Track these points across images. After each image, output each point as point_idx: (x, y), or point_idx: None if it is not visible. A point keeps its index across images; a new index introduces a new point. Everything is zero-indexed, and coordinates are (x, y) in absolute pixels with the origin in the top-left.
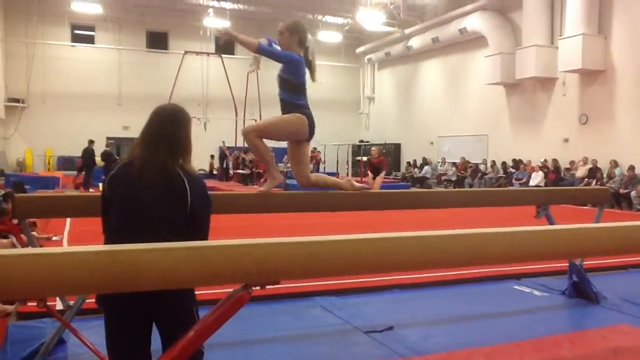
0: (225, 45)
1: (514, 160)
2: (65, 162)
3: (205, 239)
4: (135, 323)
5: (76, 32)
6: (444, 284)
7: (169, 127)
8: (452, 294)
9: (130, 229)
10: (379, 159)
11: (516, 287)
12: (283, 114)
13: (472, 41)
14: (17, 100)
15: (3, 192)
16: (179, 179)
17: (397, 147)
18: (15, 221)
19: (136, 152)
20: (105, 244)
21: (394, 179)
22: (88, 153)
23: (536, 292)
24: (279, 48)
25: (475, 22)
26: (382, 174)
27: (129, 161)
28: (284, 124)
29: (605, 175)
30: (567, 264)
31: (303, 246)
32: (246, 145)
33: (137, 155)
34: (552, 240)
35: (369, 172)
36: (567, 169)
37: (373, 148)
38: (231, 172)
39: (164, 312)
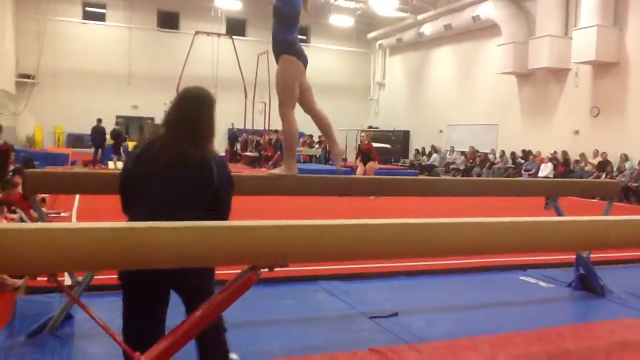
0: (236, 27)
1: (523, 150)
2: (74, 139)
3: (227, 219)
4: (153, 299)
5: (87, 9)
6: (450, 272)
7: (193, 110)
8: (458, 282)
9: (150, 209)
10: (369, 145)
11: (522, 277)
12: (273, 51)
13: (485, 29)
14: (28, 76)
15: (13, 167)
16: (202, 161)
17: (406, 134)
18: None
19: (160, 133)
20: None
21: (402, 166)
22: (97, 131)
23: (542, 283)
24: None
25: (489, 10)
26: (376, 162)
27: (151, 142)
28: (286, 78)
29: (615, 169)
30: (574, 256)
31: (311, 229)
32: (255, 127)
33: (160, 137)
34: (560, 232)
35: (358, 159)
36: (577, 162)
37: (362, 133)
38: (239, 154)
39: (183, 290)
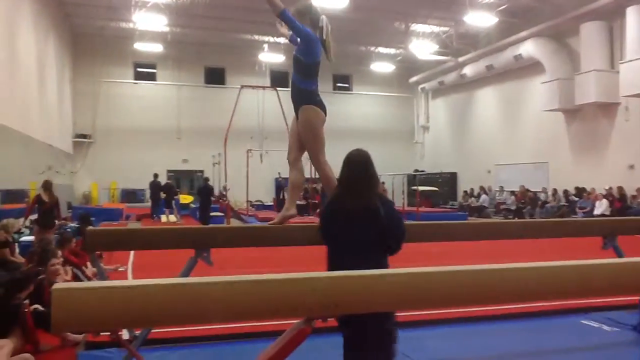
0: (280, 79)
1: (576, 188)
2: (128, 194)
3: (397, 251)
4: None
5: (138, 70)
6: (507, 317)
7: (363, 169)
8: (516, 328)
9: (346, 248)
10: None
11: (584, 321)
12: (293, 100)
13: (528, 67)
14: (84, 136)
15: (70, 224)
16: (378, 207)
17: (453, 176)
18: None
19: (341, 191)
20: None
21: (450, 208)
22: (154, 186)
23: (605, 327)
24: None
25: (531, 48)
26: None
27: (337, 198)
28: (312, 126)
29: None
30: (639, 298)
31: (363, 279)
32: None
33: (341, 191)
34: (621, 273)
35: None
36: (634, 197)
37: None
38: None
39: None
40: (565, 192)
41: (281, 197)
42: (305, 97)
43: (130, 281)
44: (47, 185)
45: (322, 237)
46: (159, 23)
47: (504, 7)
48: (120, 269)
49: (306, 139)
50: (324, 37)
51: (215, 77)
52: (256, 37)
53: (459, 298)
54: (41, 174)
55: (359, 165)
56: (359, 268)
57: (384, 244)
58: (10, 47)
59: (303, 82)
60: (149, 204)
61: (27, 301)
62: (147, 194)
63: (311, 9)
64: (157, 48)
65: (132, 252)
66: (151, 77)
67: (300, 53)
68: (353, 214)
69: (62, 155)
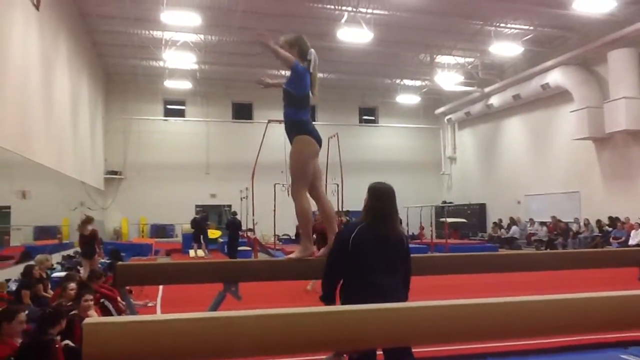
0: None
1: (609, 217)
2: (157, 230)
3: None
4: None
5: (168, 106)
6: (541, 352)
7: (392, 199)
8: None
9: (378, 275)
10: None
11: (623, 356)
12: (287, 133)
13: (556, 96)
14: (115, 173)
15: (101, 260)
16: (402, 234)
17: (482, 207)
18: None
19: (371, 218)
20: (351, 287)
21: (480, 240)
22: (196, 222)
23: None
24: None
25: (558, 77)
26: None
27: (367, 225)
28: (301, 158)
29: None
30: None
31: (388, 313)
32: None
33: (373, 221)
34: None
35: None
36: None
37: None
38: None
39: None
40: (598, 222)
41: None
42: (297, 128)
43: (161, 315)
44: (87, 220)
45: (342, 260)
46: (188, 61)
47: (529, 36)
48: (149, 304)
49: (292, 169)
50: (311, 70)
51: (243, 112)
52: (282, 72)
53: (488, 332)
54: (73, 210)
55: (388, 196)
56: (389, 289)
57: (404, 269)
58: (47, 87)
59: (295, 113)
60: (178, 239)
61: (58, 337)
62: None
63: (300, 41)
64: (186, 85)
65: (161, 287)
66: (180, 113)
67: (290, 86)
68: (385, 240)
69: (94, 192)
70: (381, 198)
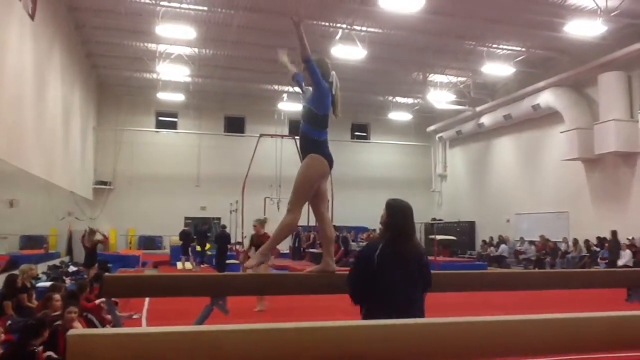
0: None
1: (598, 238)
2: (145, 241)
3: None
4: None
5: (160, 118)
6: None
7: (408, 216)
8: None
9: (401, 292)
10: (265, 237)
11: None
12: (301, 149)
13: (546, 117)
14: (105, 183)
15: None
16: (421, 249)
17: (472, 225)
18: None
19: (392, 235)
20: (371, 303)
21: (469, 258)
22: (219, 237)
23: None
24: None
25: (549, 98)
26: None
27: (389, 241)
28: (308, 175)
29: None
30: None
31: (382, 329)
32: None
33: (395, 237)
34: None
35: (250, 252)
36: None
37: (255, 222)
38: (303, 251)
39: None
40: (587, 242)
41: (296, 245)
42: (313, 147)
43: (146, 328)
44: (92, 232)
45: (363, 277)
46: (182, 74)
47: (521, 57)
48: (134, 317)
49: (296, 183)
50: (334, 92)
51: (235, 125)
52: (275, 87)
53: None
54: (61, 220)
55: (407, 213)
56: (413, 306)
57: (423, 284)
58: (39, 97)
59: (314, 132)
60: (166, 250)
61: (40, 348)
62: (166, 240)
63: (322, 63)
64: (179, 97)
65: (147, 300)
66: (172, 125)
67: (312, 104)
68: (404, 256)
69: (82, 202)
70: (400, 214)
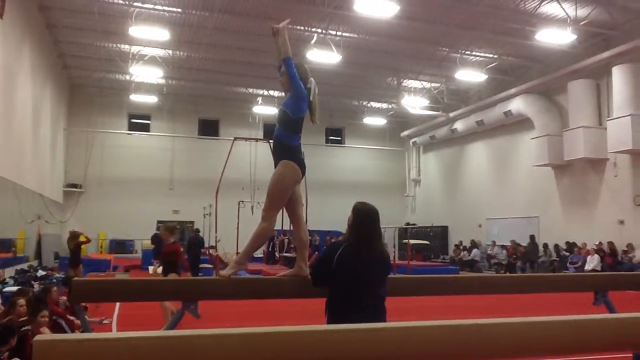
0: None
1: (567, 243)
2: (117, 245)
3: None
4: None
5: (133, 120)
6: None
7: (374, 219)
8: None
9: (365, 292)
10: (173, 247)
11: None
12: (274, 154)
13: (518, 123)
14: (75, 186)
15: (56, 274)
16: (386, 252)
17: (444, 229)
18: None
19: (357, 237)
20: (334, 304)
21: (442, 262)
22: (192, 241)
23: None
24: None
25: (520, 105)
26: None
27: (354, 243)
28: (281, 182)
29: None
30: (631, 355)
31: (362, 334)
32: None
33: (355, 239)
34: (613, 330)
35: (158, 266)
36: (625, 252)
37: (161, 229)
38: (277, 255)
39: None
40: (556, 246)
41: (270, 249)
42: (286, 153)
43: (116, 333)
44: (72, 235)
45: (323, 276)
46: (155, 75)
47: (493, 65)
48: (105, 322)
49: (270, 191)
50: (311, 98)
51: (209, 128)
52: (250, 90)
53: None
54: (30, 223)
55: (374, 216)
56: (376, 307)
57: (385, 287)
58: (8, 97)
59: (287, 136)
60: (138, 254)
61: (6, 354)
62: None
63: (301, 68)
64: (152, 99)
65: (117, 305)
66: (145, 128)
67: (288, 107)
68: (369, 259)
69: (52, 205)
70: (366, 218)
